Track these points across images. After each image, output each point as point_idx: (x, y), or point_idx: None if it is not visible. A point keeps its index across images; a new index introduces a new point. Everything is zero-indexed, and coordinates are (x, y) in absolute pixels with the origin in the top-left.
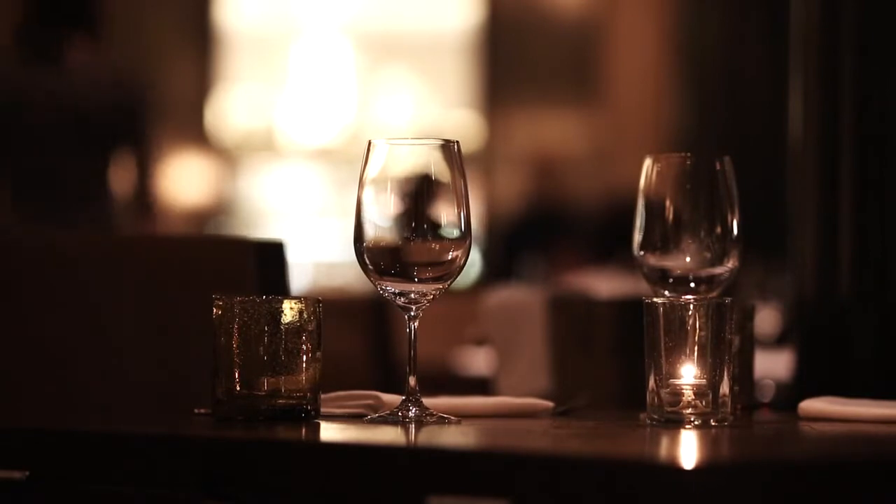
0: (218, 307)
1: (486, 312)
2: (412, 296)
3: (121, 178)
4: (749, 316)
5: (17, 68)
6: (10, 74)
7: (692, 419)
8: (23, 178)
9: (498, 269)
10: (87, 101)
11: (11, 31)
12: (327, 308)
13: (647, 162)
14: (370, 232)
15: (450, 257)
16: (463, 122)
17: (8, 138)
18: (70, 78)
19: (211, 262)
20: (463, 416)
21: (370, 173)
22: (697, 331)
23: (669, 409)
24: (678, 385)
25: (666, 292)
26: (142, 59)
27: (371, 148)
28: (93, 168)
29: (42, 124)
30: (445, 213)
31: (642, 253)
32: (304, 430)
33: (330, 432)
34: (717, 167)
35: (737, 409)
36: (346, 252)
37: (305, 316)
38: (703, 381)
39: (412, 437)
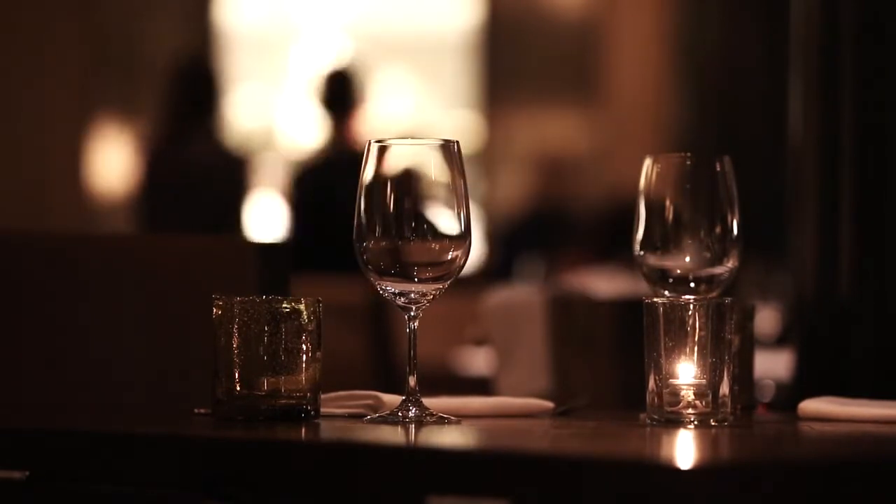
0: (218, 307)
1: (486, 312)
2: (412, 296)
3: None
4: (749, 316)
5: (167, 147)
6: (164, 150)
7: (692, 419)
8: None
9: (498, 269)
10: (206, 170)
11: (161, 123)
12: (327, 308)
13: (647, 162)
14: (370, 232)
15: (450, 257)
16: (463, 122)
17: (164, 194)
18: (195, 154)
19: (211, 262)
20: (463, 416)
21: (370, 173)
22: (697, 331)
23: (669, 409)
24: (678, 385)
25: (666, 292)
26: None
27: (371, 148)
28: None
29: (181, 185)
30: (445, 213)
31: (642, 253)
32: (304, 430)
33: (330, 432)
34: (717, 167)
35: (737, 409)
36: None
37: (305, 316)
38: (703, 381)
39: (412, 437)
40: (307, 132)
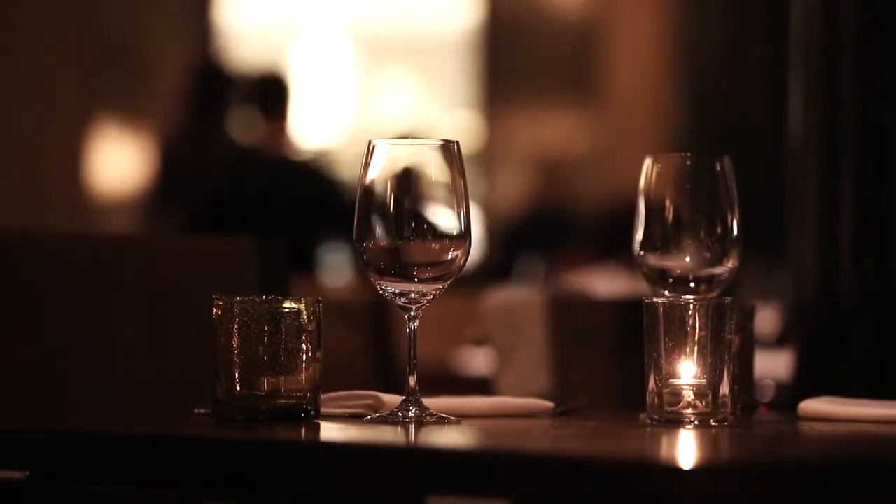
0: (218, 307)
1: (486, 312)
2: (412, 296)
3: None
4: (749, 316)
5: (183, 144)
6: (179, 147)
7: (692, 419)
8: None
9: (498, 269)
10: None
11: (177, 120)
12: (327, 308)
13: (647, 162)
14: (370, 232)
15: (450, 257)
16: (463, 122)
17: (178, 179)
18: (207, 147)
19: (211, 262)
20: (463, 416)
21: (370, 173)
22: (697, 331)
23: (669, 409)
24: (678, 385)
25: (666, 292)
26: (143, 58)
27: (371, 148)
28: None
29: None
30: (445, 213)
31: (642, 253)
32: (304, 430)
33: (330, 432)
34: (717, 167)
35: (737, 409)
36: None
37: (305, 316)
38: (703, 381)
39: (412, 437)
40: (309, 132)
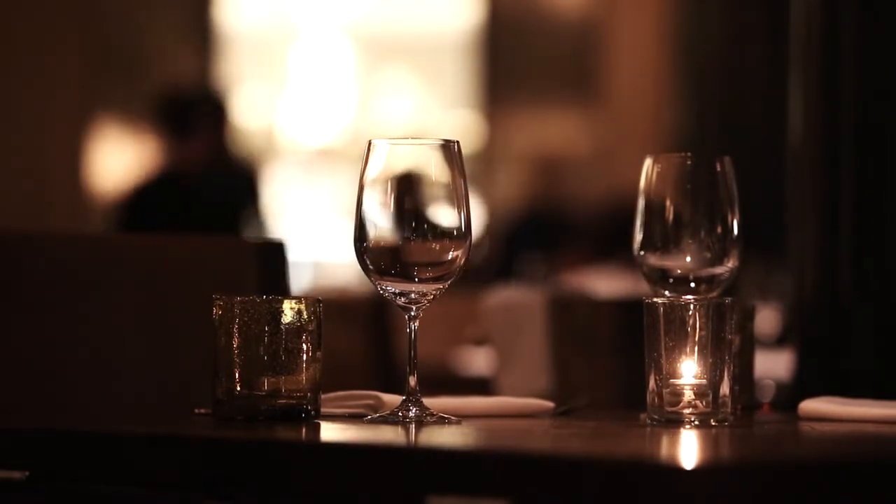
0: (218, 307)
1: (486, 312)
2: (412, 296)
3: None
4: (749, 316)
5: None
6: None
7: (692, 419)
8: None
9: (498, 269)
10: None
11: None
12: (327, 308)
13: (647, 162)
14: (370, 232)
15: (450, 257)
16: (463, 122)
17: (166, 202)
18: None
19: (211, 262)
20: (463, 416)
21: (370, 173)
22: (697, 331)
23: (669, 409)
24: (678, 385)
25: (666, 292)
26: (143, 57)
27: (371, 148)
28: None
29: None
30: (445, 213)
31: (642, 253)
32: (304, 430)
33: (330, 432)
34: (717, 167)
35: (737, 409)
36: (346, 252)
37: (305, 316)
38: (704, 381)
39: (412, 437)
40: (309, 132)
